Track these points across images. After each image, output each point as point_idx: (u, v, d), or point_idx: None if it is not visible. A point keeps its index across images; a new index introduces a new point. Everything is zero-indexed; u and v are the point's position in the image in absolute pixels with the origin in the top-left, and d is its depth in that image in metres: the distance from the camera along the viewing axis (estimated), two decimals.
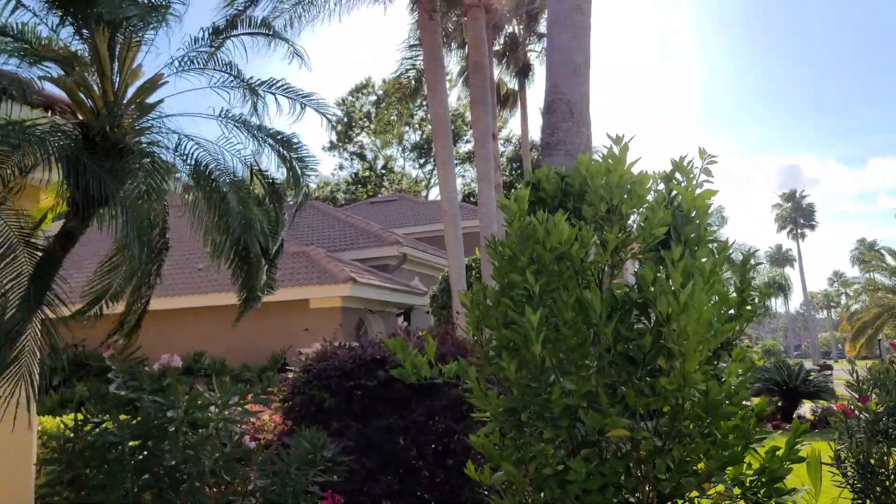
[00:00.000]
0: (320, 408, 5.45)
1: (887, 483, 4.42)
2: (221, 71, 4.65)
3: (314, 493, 3.80)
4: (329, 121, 5.17)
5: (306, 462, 3.70)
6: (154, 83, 4.23)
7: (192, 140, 4.38)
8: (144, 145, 4.23)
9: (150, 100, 4.26)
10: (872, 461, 4.42)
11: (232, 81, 4.63)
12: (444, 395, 5.41)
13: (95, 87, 4.06)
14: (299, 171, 4.89)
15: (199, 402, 3.51)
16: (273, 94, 4.87)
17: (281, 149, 4.81)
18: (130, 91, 4.19)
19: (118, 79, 4.10)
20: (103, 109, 3.99)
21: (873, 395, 4.66)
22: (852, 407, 4.77)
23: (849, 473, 4.61)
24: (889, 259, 41.70)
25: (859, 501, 4.58)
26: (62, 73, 4.11)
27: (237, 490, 3.51)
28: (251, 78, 4.81)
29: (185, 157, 4.28)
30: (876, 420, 4.47)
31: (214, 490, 3.64)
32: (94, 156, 3.74)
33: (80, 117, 4.11)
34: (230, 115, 4.64)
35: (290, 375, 5.89)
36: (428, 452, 5.43)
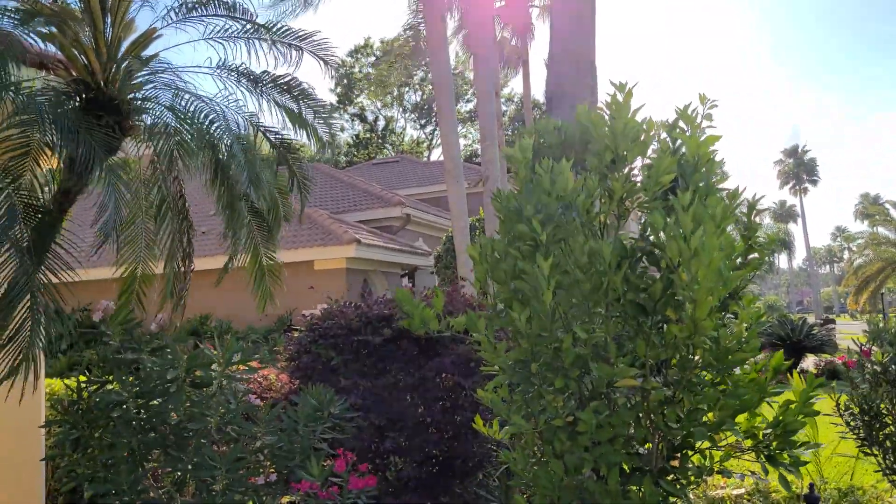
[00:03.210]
0: (327, 366, 5.44)
1: (890, 430, 4.42)
2: (221, 16, 4.48)
3: (322, 450, 3.80)
4: (328, 65, 5.00)
5: (314, 419, 3.69)
6: (148, 37, 4.12)
7: (193, 94, 4.26)
8: (140, 102, 4.14)
9: (146, 54, 4.16)
10: (882, 406, 4.42)
11: (230, 28, 4.47)
12: (451, 352, 5.39)
13: (88, 42, 3.96)
14: (314, 123, 4.73)
15: (200, 360, 3.49)
16: (274, 42, 4.71)
17: (288, 99, 4.66)
18: (125, 45, 4.09)
19: (111, 32, 4.00)
20: (96, 64, 3.90)
21: (875, 348, 4.66)
22: (854, 359, 4.76)
23: (852, 423, 4.62)
24: (893, 213, 41.56)
25: (866, 449, 4.59)
26: (54, 29, 4.01)
27: (244, 447, 3.50)
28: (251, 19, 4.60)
29: (184, 115, 4.17)
30: (883, 370, 4.45)
31: (223, 448, 3.64)
32: (89, 114, 3.66)
33: (74, 74, 4.02)
34: (233, 67, 4.51)
35: (297, 335, 5.88)
36: (436, 408, 5.44)
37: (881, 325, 4.57)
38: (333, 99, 49.86)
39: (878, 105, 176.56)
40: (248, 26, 4.60)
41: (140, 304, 5.28)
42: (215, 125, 4.14)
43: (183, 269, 5.12)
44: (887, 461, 4.43)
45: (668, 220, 2.72)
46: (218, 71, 4.46)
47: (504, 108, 42.52)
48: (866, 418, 4.49)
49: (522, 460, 3.25)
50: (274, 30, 4.66)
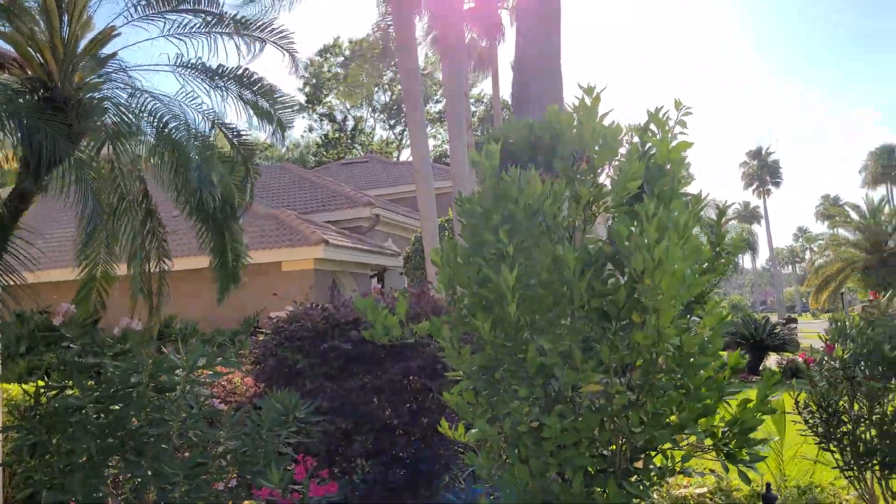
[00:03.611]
0: (293, 369, 5.39)
1: (846, 428, 4.51)
2: (185, 11, 4.38)
3: (287, 454, 3.75)
4: (292, 56, 4.93)
5: (278, 423, 3.64)
6: (107, 35, 4.03)
7: (150, 94, 4.18)
8: (99, 101, 4.04)
9: (104, 52, 4.06)
10: (841, 404, 4.50)
11: (190, 24, 4.38)
12: (418, 354, 5.38)
13: (45, 40, 3.86)
14: (273, 112, 4.67)
15: (165, 365, 3.43)
16: (233, 34, 4.62)
17: (244, 90, 4.61)
18: (82, 44, 3.99)
19: (68, 31, 3.90)
20: (53, 63, 3.80)
21: (837, 345, 4.74)
22: (815, 356, 4.84)
23: (810, 421, 4.70)
24: (853, 214, 42.48)
25: (823, 446, 4.68)
26: (9, 26, 3.90)
27: (207, 452, 3.45)
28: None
29: (142, 113, 4.09)
30: (843, 366, 4.54)
31: (185, 454, 3.59)
32: (46, 113, 3.57)
33: (30, 73, 3.91)
34: (189, 63, 4.43)
35: (262, 338, 5.81)
36: (403, 411, 5.42)
37: (847, 322, 4.65)
38: (302, 98, 49.50)
39: (859, 100, 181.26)
40: (210, 19, 4.52)
41: (102, 305, 5.18)
42: (172, 125, 4.07)
43: (155, 269, 5.03)
44: (844, 458, 4.52)
45: (633, 229, 2.73)
46: (178, 69, 4.38)
47: (474, 108, 42.62)
48: (824, 416, 4.58)
49: (488, 464, 3.26)
50: (236, 20, 4.58)
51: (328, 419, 4.87)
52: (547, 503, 3.07)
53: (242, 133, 4.81)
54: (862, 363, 4.44)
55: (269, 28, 4.84)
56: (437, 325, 3.07)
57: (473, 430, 3.32)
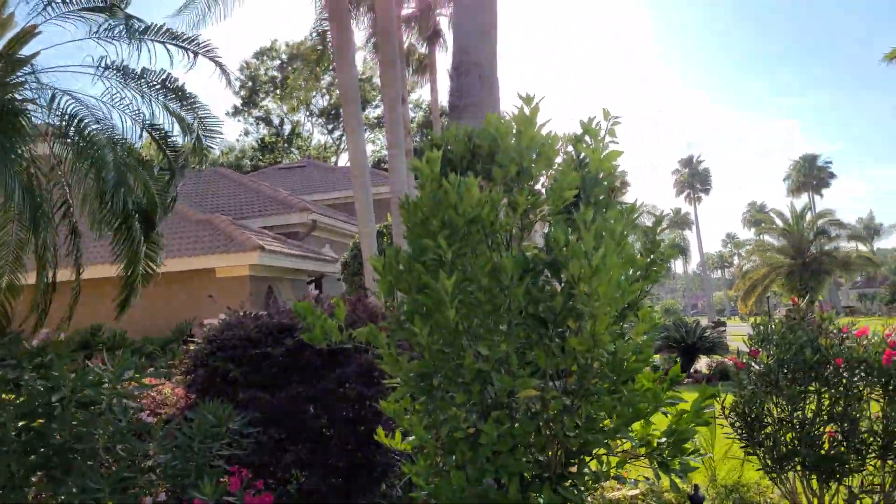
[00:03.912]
0: (225, 379, 5.26)
1: (769, 430, 4.66)
2: (98, 10, 4.24)
3: (219, 467, 3.66)
4: (223, 69, 4.86)
5: (210, 435, 3.55)
6: (28, 33, 3.87)
7: (70, 95, 4.02)
8: (19, 103, 3.87)
9: (25, 53, 3.90)
10: (765, 408, 4.65)
11: (115, 29, 4.26)
12: (355, 362, 5.32)
13: None
14: (194, 123, 4.58)
15: (90, 378, 3.30)
16: (162, 42, 4.52)
17: (168, 99, 4.50)
18: (1, 43, 3.81)
19: None
20: None
21: (762, 350, 4.89)
22: (744, 361, 4.98)
23: (736, 424, 4.84)
24: (778, 221, 44.17)
25: (749, 451, 4.83)
26: None
27: (135, 466, 3.34)
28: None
29: (60, 115, 3.92)
30: (767, 372, 4.69)
31: (113, 469, 3.46)
32: None
33: None
34: (113, 65, 4.29)
35: (193, 347, 5.66)
36: (339, 420, 5.35)
37: (769, 326, 4.81)
38: (237, 102, 48.59)
39: (784, 112, 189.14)
40: (136, 24, 4.40)
41: (5, 315, 4.94)
42: (93, 128, 3.93)
43: (72, 277, 4.83)
44: (768, 459, 4.67)
45: (571, 236, 2.77)
46: (104, 71, 4.24)
47: (412, 114, 42.60)
48: (749, 419, 4.73)
49: (424, 471, 3.25)
50: (162, 32, 4.48)
51: (262, 429, 4.77)
52: None
53: (170, 136, 4.68)
54: (784, 368, 4.60)
55: (203, 44, 4.77)
56: (374, 332, 3.05)
57: (410, 438, 3.31)
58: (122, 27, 4.34)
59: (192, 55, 4.67)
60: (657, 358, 3.24)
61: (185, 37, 4.65)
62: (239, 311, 5.78)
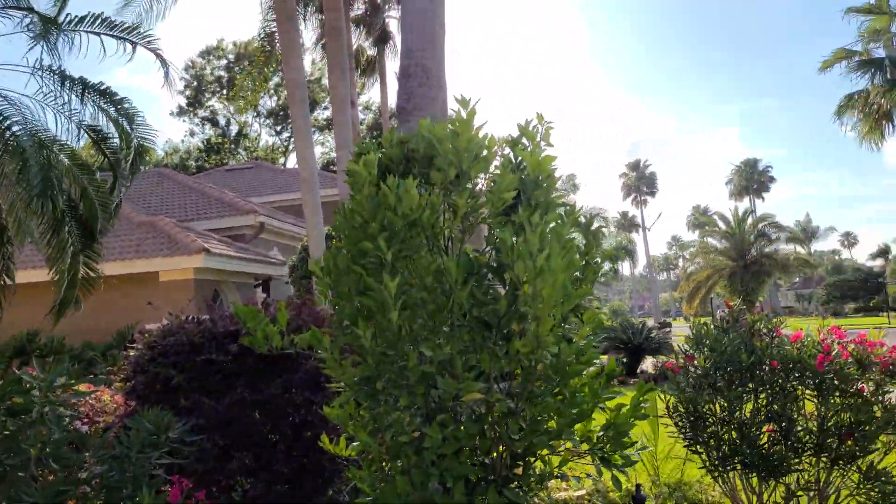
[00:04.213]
0: (167, 385, 5.14)
1: (711, 430, 4.78)
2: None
3: (159, 476, 3.56)
4: (164, 61, 4.72)
5: (149, 444, 3.45)
6: None
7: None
8: None
9: None
10: (706, 408, 4.76)
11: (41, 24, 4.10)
12: (301, 367, 5.26)
13: None
14: (126, 125, 4.44)
15: (17, 386, 3.17)
16: (97, 33, 4.35)
17: (104, 102, 4.36)
18: None
19: None
20: None
21: (697, 353, 5.01)
22: (681, 364, 5.09)
23: (680, 423, 4.94)
24: (720, 224, 45.34)
25: (692, 449, 4.93)
26: None
27: (69, 478, 3.22)
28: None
29: None
30: (704, 374, 4.80)
31: (50, 480, 3.33)
32: None
33: None
34: (49, 67, 4.14)
35: (133, 353, 5.51)
36: (285, 426, 5.28)
37: (703, 330, 4.92)
38: (183, 102, 47.60)
39: (726, 118, 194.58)
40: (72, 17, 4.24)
41: None
42: (17, 128, 3.79)
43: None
44: (710, 458, 4.78)
45: (516, 238, 2.78)
46: (38, 71, 4.10)
47: (362, 116, 42.41)
48: (691, 419, 4.83)
49: (369, 477, 3.22)
50: (98, 23, 4.32)
51: (205, 437, 4.68)
52: None
53: (109, 137, 4.54)
54: (720, 370, 4.72)
55: (136, 31, 4.61)
56: (317, 336, 3.01)
57: (355, 444, 3.28)
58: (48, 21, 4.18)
59: (131, 46, 4.51)
60: (604, 358, 3.29)
61: (123, 26, 4.49)
62: (181, 315, 5.65)
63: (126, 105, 4.45)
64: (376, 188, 2.90)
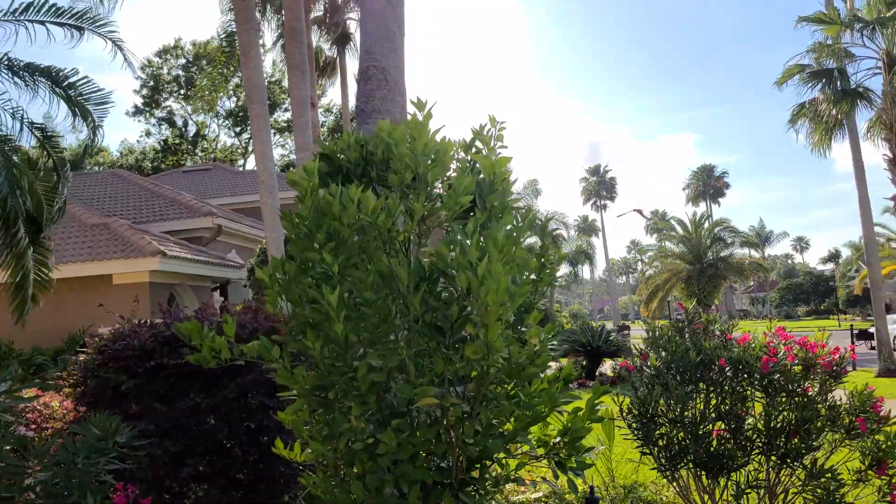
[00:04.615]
0: (117, 391, 5.03)
1: (663, 430, 4.85)
2: None
3: (108, 483, 3.48)
4: (116, 45, 4.59)
5: (96, 449, 3.38)
6: None
7: None
8: None
9: None
10: (659, 408, 4.83)
11: None
12: (257, 371, 5.19)
13: None
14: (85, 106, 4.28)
15: None
16: (41, 22, 4.21)
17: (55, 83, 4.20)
18: None
19: None
20: None
21: (651, 353, 5.10)
22: (635, 364, 5.18)
23: (633, 425, 5.01)
24: (678, 228, 46.07)
25: (644, 451, 5.00)
26: None
27: (11, 485, 3.13)
28: None
29: None
30: (657, 373, 4.88)
31: None
32: None
33: None
34: None
35: (83, 357, 5.38)
36: (240, 431, 5.21)
37: (657, 332, 5.01)
38: (138, 101, 46.69)
39: (683, 124, 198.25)
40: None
41: None
42: None
43: None
44: (662, 458, 4.85)
45: (455, 249, 2.77)
46: None
47: (323, 118, 42.15)
48: (644, 420, 4.90)
49: (324, 483, 3.19)
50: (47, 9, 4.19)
51: (156, 442, 4.59)
52: None
53: (54, 135, 4.42)
54: (672, 369, 4.80)
55: (86, 16, 4.46)
56: (266, 346, 2.97)
57: (308, 451, 3.25)
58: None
59: (77, 32, 4.37)
60: (564, 361, 3.33)
61: (73, 12, 4.35)
62: (133, 319, 5.54)
63: (74, 79, 4.30)
64: (321, 197, 2.87)
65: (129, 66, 5.49)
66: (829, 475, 4.44)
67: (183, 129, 48.39)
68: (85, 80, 4.50)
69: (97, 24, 4.34)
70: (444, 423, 3.03)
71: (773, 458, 4.67)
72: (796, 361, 4.67)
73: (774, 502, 4.72)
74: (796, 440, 4.55)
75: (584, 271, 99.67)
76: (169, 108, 47.75)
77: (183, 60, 45.91)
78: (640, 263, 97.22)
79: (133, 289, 14.52)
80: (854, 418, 4.50)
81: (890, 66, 18.53)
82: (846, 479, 4.49)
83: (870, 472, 4.45)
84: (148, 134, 48.45)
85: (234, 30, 16.90)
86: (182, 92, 46.32)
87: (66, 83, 4.21)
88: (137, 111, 47.37)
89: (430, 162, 2.99)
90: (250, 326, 5.13)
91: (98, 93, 4.56)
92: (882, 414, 4.53)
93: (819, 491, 4.47)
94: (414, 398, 2.89)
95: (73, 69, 4.45)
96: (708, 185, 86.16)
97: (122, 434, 3.50)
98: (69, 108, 4.30)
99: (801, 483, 4.60)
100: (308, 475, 3.30)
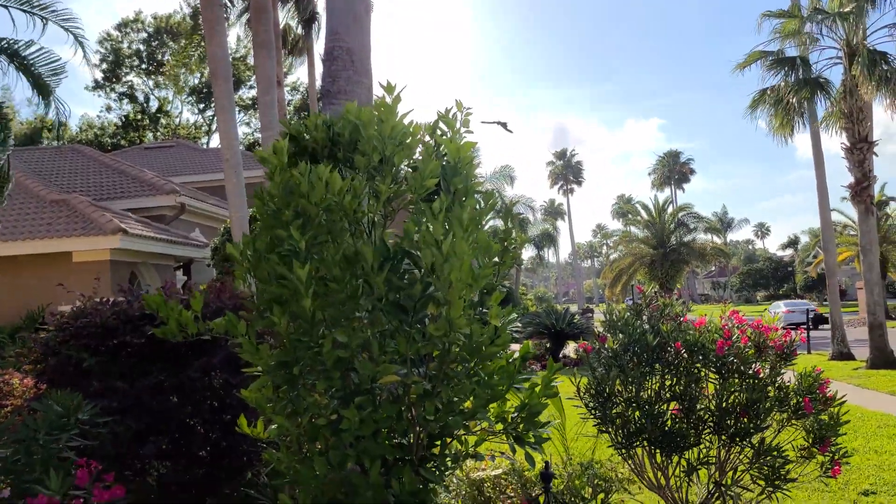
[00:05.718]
0: (79, 369, 5.01)
1: (618, 409, 5.00)
2: None
3: (70, 459, 3.49)
4: (78, 40, 4.55)
5: (57, 426, 3.38)
6: None
7: None
8: None
9: None
10: (615, 388, 4.97)
11: None
12: (221, 349, 5.20)
13: None
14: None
15: None
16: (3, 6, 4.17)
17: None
18: None
19: None
20: None
21: (609, 335, 5.23)
22: (594, 346, 5.31)
23: (590, 404, 5.14)
24: (643, 213, 46.66)
25: (601, 429, 5.14)
26: None
27: None
28: None
29: None
30: (615, 355, 5.01)
31: None
32: None
33: None
34: None
35: (44, 335, 5.33)
36: (204, 408, 5.23)
37: (614, 315, 5.14)
38: (98, 75, 45.56)
39: (650, 110, 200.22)
40: None
41: None
42: None
43: None
44: (618, 437, 5.00)
45: (421, 227, 2.84)
46: None
47: (289, 97, 41.66)
48: (601, 399, 5.03)
49: (286, 458, 3.24)
50: None
51: (119, 420, 4.59)
52: (346, 494, 3.12)
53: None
54: (629, 351, 4.94)
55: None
56: (233, 322, 3.00)
57: (273, 426, 3.30)
58: None
59: (40, 21, 4.33)
60: (529, 344, 3.40)
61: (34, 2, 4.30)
62: (94, 297, 5.50)
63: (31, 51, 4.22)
64: (289, 175, 2.90)
65: (87, 63, 5.40)
66: (775, 453, 4.63)
67: (144, 105, 47.45)
68: (40, 50, 4.43)
69: (63, 17, 4.29)
70: (406, 400, 3.11)
71: (724, 437, 4.84)
72: (749, 344, 4.83)
73: (723, 479, 4.90)
74: (745, 420, 4.72)
75: (550, 255, 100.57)
76: (130, 83, 46.75)
77: (144, 34, 44.91)
78: (605, 247, 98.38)
79: (94, 267, 14.31)
80: (801, 399, 4.69)
81: (850, 55, 18.92)
82: (791, 455, 4.69)
83: (814, 448, 4.65)
84: (108, 109, 47.43)
85: (199, 3, 16.58)
86: (144, 67, 45.34)
87: (21, 55, 4.15)
88: (97, 86, 46.30)
89: (397, 145, 3.03)
90: (214, 305, 5.14)
91: (53, 63, 4.50)
92: (828, 395, 4.72)
93: (766, 469, 4.65)
94: (377, 376, 2.95)
95: (28, 40, 4.38)
96: (673, 170, 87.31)
97: (83, 411, 3.51)
98: (26, 80, 4.24)
99: (749, 461, 4.78)
100: (271, 452, 3.34)
